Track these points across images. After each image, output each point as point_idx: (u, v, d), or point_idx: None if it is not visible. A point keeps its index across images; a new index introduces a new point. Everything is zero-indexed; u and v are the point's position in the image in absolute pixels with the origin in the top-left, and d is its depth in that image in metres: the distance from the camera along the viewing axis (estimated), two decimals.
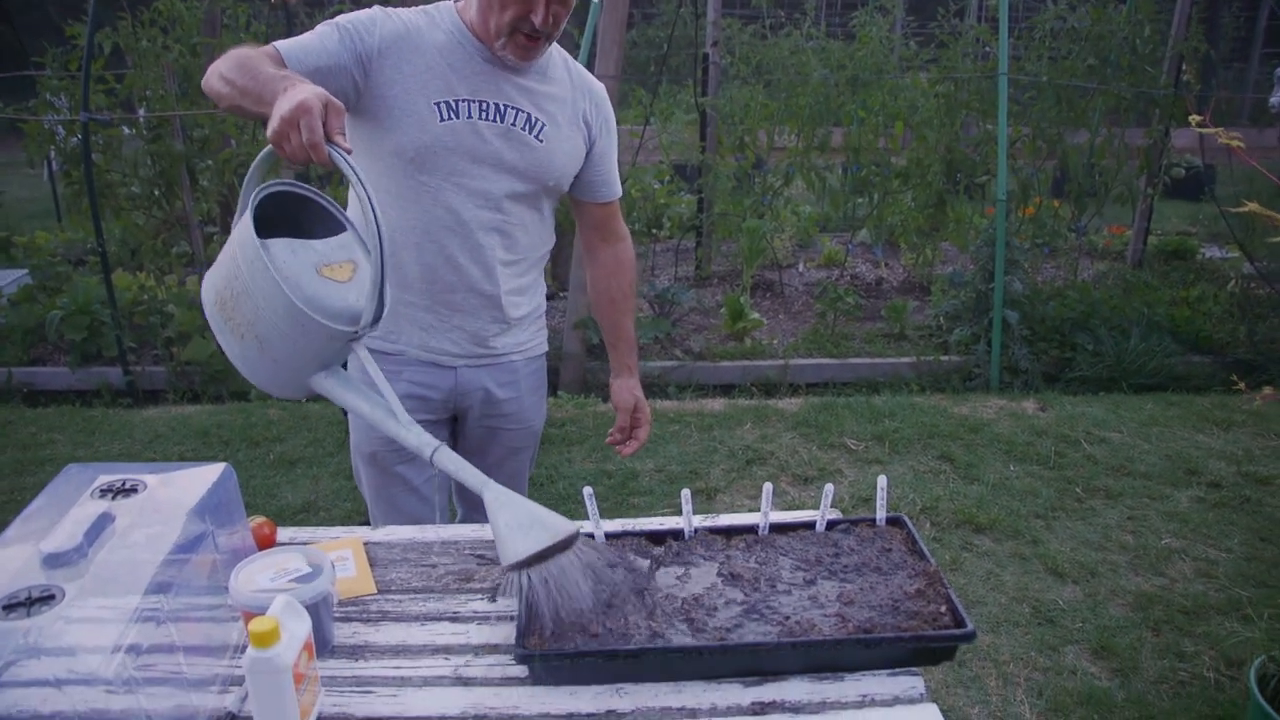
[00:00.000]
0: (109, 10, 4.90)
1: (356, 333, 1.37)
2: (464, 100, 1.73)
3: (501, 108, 1.76)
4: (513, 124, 1.77)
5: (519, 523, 1.30)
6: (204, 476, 1.50)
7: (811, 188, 6.03)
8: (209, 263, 5.07)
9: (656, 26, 11.60)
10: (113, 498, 1.40)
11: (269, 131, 1.32)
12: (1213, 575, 3.08)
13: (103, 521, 1.32)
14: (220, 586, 1.40)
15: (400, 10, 1.75)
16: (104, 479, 1.45)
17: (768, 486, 1.54)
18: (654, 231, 6.60)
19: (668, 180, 7.03)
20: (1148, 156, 5.73)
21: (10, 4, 9.21)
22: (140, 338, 4.82)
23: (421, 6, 1.79)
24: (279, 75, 1.44)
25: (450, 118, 1.71)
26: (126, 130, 4.89)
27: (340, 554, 1.67)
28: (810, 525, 1.57)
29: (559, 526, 1.30)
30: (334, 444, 4.06)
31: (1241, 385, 2.48)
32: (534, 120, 1.79)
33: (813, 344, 5.08)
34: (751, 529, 1.56)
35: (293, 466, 3.87)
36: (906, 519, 1.57)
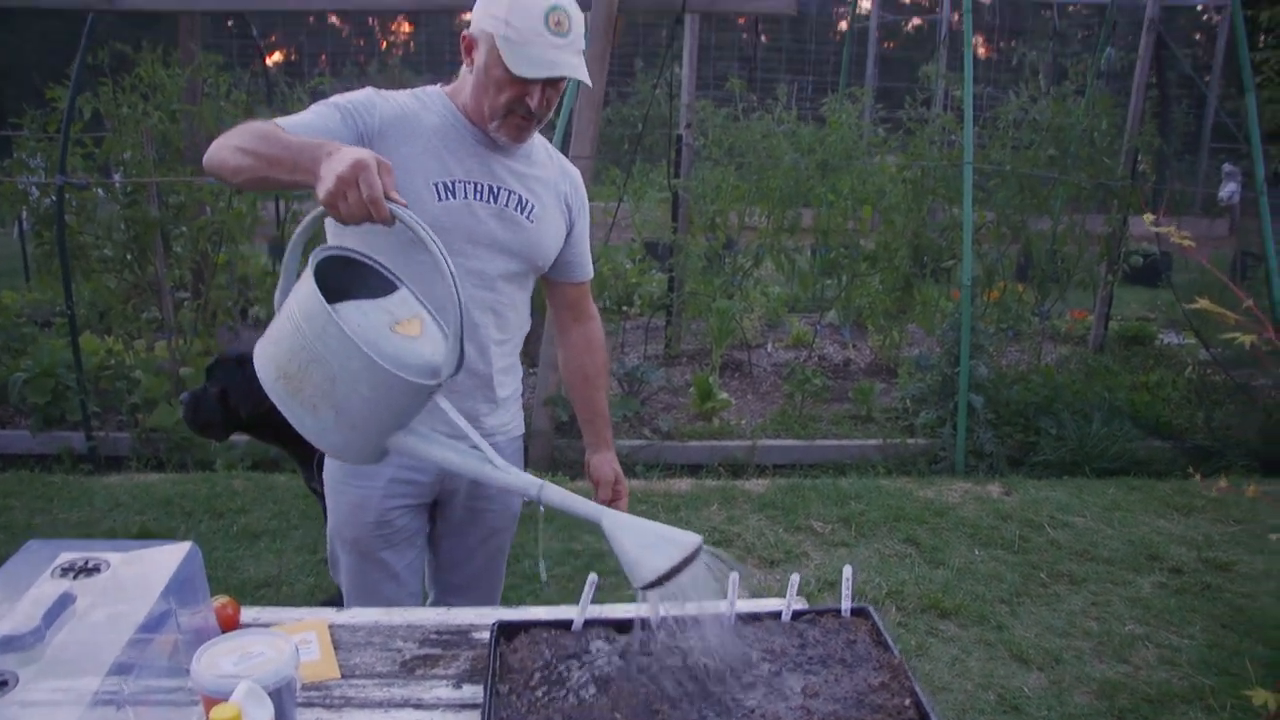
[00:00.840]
0: (91, 76, 4.94)
1: (439, 385, 1.38)
2: (460, 181, 1.76)
3: (495, 189, 1.80)
4: (505, 205, 1.81)
5: (646, 542, 1.31)
6: (169, 556, 1.49)
7: (781, 269, 6.14)
8: (179, 329, 5.10)
9: (631, 105, 11.84)
10: (74, 577, 1.38)
11: (322, 193, 1.34)
12: (1176, 663, 3.10)
13: (63, 602, 1.30)
14: (181, 669, 1.38)
15: (393, 93, 1.80)
16: (66, 557, 1.43)
17: (734, 576, 1.54)
18: (624, 309, 6.66)
19: (640, 259, 7.12)
20: (1107, 244, 5.90)
21: None
22: (105, 403, 4.75)
23: (411, 90, 1.83)
24: (316, 141, 1.45)
25: (447, 198, 1.75)
26: (101, 194, 4.89)
27: (304, 636, 1.64)
28: (776, 615, 1.58)
29: (685, 540, 1.31)
30: (298, 516, 4.01)
31: (1198, 476, 2.54)
32: (525, 201, 1.83)
33: (780, 425, 5.12)
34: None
35: (256, 539, 3.81)
36: (872, 610, 1.58)
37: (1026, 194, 5.63)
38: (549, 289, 2.05)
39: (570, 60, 1.69)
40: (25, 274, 7.00)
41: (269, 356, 1.38)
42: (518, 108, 1.72)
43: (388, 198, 1.34)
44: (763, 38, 12.37)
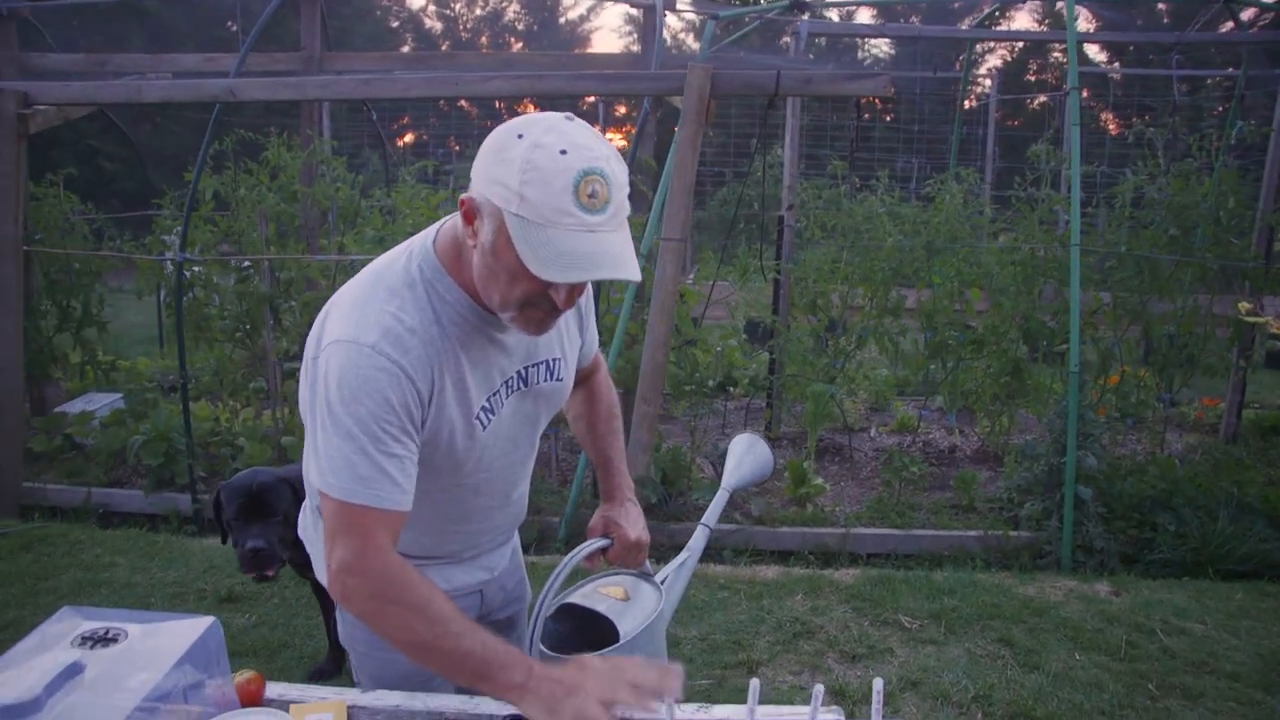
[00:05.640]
0: (226, 160, 5.29)
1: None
2: (496, 392, 1.57)
3: (524, 372, 1.61)
4: (535, 382, 1.64)
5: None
6: (189, 629, 1.51)
7: (885, 351, 5.99)
8: (284, 398, 5.30)
9: (746, 185, 11.91)
10: (90, 646, 1.41)
11: None
12: None
13: (70, 671, 1.32)
14: None
15: (406, 334, 1.43)
16: (88, 626, 1.46)
17: (755, 683, 1.46)
18: (729, 389, 6.62)
19: (739, 340, 7.08)
20: (1239, 327, 5.54)
21: (146, 152, 10.10)
22: (212, 467, 4.98)
23: (397, 269, 1.51)
24: (489, 665, 1.39)
25: (488, 420, 1.56)
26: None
27: (320, 717, 1.63)
28: None
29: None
30: None
31: None
32: (552, 365, 1.66)
33: (876, 513, 4.93)
34: None
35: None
36: None
37: (1146, 275, 5.35)
38: None
39: (612, 248, 1.31)
40: (160, 342, 7.45)
41: None
42: (540, 302, 1.39)
43: None
44: (866, 117, 12.30)
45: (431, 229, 1.55)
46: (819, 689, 1.46)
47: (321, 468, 1.43)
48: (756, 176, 5.77)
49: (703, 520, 1.99)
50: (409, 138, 14.05)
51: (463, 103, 15.22)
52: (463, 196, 1.38)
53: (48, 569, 4.17)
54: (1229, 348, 5.65)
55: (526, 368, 1.61)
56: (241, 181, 5.07)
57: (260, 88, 4.82)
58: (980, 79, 13.13)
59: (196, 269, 5.18)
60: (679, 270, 4.44)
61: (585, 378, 1.91)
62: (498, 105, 17.49)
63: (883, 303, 5.74)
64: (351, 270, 5.03)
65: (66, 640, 1.42)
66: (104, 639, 1.43)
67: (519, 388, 1.61)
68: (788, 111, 5.83)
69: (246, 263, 5.07)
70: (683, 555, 1.93)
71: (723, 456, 5.11)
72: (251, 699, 1.64)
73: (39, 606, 3.66)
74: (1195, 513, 4.57)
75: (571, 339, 1.72)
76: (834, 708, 1.55)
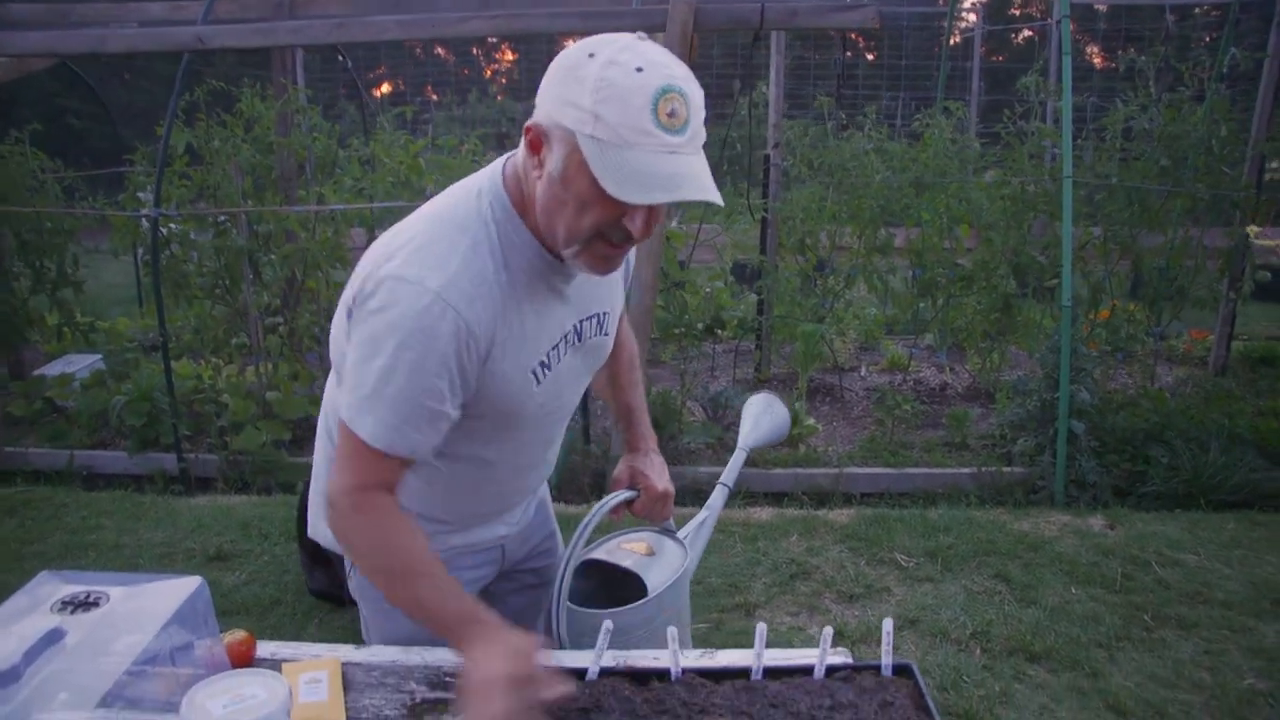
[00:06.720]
0: (197, 112, 5.13)
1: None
2: (556, 346, 1.48)
3: (579, 326, 1.52)
4: (589, 336, 1.56)
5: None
6: (175, 591, 1.45)
7: (874, 290, 5.93)
8: (267, 353, 5.21)
9: (728, 126, 11.75)
10: (70, 611, 1.35)
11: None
12: None
13: (50, 638, 1.27)
14: (177, 705, 1.34)
15: (473, 282, 1.34)
16: (68, 590, 1.41)
17: (761, 627, 1.42)
18: (717, 332, 6.55)
19: (727, 281, 7.01)
20: (1229, 259, 5.50)
21: (116, 108, 9.85)
22: (197, 426, 4.91)
23: (470, 207, 1.39)
24: (454, 617, 1.37)
25: (544, 376, 1.48)
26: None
27: (314, 675, 1.58)
28: (809, 670, 1.45)
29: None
30: None
31: None
32: (603, 317, 1.57)
33: (869, 452, 4.91)
34: (744, 672, 1.44)
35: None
36: (915, 668, 1.43)
37: (1136, 207, 5.28)
38: None
39: (691, 169, 1.21)
40: (139, 301, 7.33)
41: None
42: (612, 233, 1.28)
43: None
44: (848, 54, 12.12)
45: (496, 165, 1.43)
46: (828, 631, 1.42)
47: (351, 402, 1.36)
48: (741, 116, 5.65)
49: (721, 479, 1.99)
50: (385, 87, 13.77)
51: (439, 49, 14.92)
52: (528, 124, 1.27)
53: (33, 533, 4.12)
54: (1219, 279, 5.61)
55: (581, 321, 1.52)
56: (215, 134, 4.92)
57: (229, 35, 4.65)
58: (965, 14, 12.92)
59: (172, 225, 5.05)
60: (664, 212, 4.34)
61: None
62: (474, 52, 17.14)
63: (871, 241, 5.67)
64: (332, 221, 4.92)
65: (45, 606, 1.36)
66: (85, 603, 1.38)
67: (575, 342, 1.52)
68: (772, 48, 5.69)
69: (223, 217, 4.94)
70: (702, 514, 1.91)
71: (714, 400, 5.12)
72: (243, 659, 1.60)
73: (25, 572, 3.60)
74: (1187, 445, 4.56)
75: (618, 292, 1.64)
76: (840, 649, 1.52)
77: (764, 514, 4.35)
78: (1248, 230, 1.77)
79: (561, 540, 1.93)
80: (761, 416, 2.08)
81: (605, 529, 1.79)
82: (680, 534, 1.84)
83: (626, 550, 1.75)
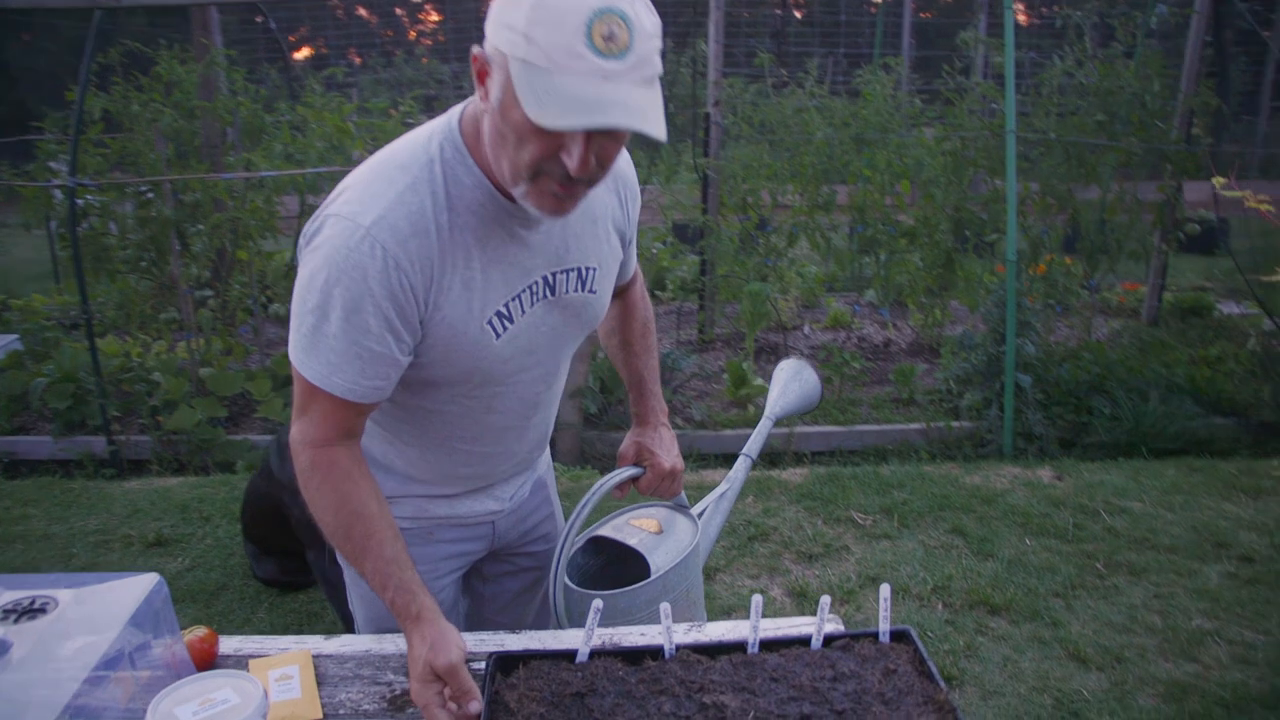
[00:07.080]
0: (111, 75, 4.86)
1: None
2: (516, 297, 1.38)
3: (551, 279, 1.42)
4: (565, 290, 1.45)
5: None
6: (130, 591, 1.35)
7: (816, 248, 5.92)
8: (199, 328, 5.00)
9: (667, 82, 11.62)
10: (15, 620, 1.25)
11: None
12: (1251, 661, 2.87)
13: None
14: (141, 714, 1.24)
15: (408, 219, 1.28)
16: (9, 596, 1.30)
17: (757, 599, 1.37)
18: (657, 294, 6.48)
19: (669, 242, 6.94)
20: (1160, 212, 5.60)
21: (18, 70, 9.31)
22: (126, 406, 4.69)
23: (416, 146, 1.33)
24: (403, 597, 1.36)
25: (506, 327, 1.39)
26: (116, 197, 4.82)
27: (285, 671, 1.50)
28: (805, 641, 1.40)
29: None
30: None
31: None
32: (585, 272, 1.46)
33: (818, 411, 4.91)
34: (739, 645, 1.39)
35: None
36: (914, 634, 1.40)
37: (1073, 162, 5.34)
38: None
39: (628, 97, 1.11)
40: (55, 277, 6.98)
41: None
42: (550, 169, 1.20)
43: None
44: (795, 12, 12.07)
45: (458, 106, 1.36)
46: (825, 600, 1.38)
47: (294, 340, 1.33)
48: (676, 74, 5.56)
49: (744, 450, 1.91)
50: (306, 50, 13.29)
51: (361, 10, 14.44)
52: (474, 51, 1.20)
53: None
54: (1151, 232, 5.72)
55: (554, 273, 1.42)
56: (134, 98, 4.66)
57: None
58: None
59: (90, 196, 4.78)
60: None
61: (621, 291, 1.72)
62: (398, 13, 16.65)
63: (813, 199, 5.65)
64: (262, 188, 4.72)
65: None
66: (30, 610, 1.27)
67: (545, 295, 1.42)
68: (710, 3, 5.59)
69: (146, 187, 4.69)
70: (722, 486, 1.84)
71: (660, 363, 5.06)
72: (206, 657, 1.51)
73: None
74: (1128, 395, 4.66)
75: (613, 249, 1.53)
76: (833, 616, 1.48)
77: (716, 476, 4.32)
78: (1213, 181, 1.77)
79: (563, 524, 1.86)
80: (790, 383, 1.99)
81: (614, 506, 1.75)
82: (698, 509, 1.78)
83: (635, 527, 1.68)
